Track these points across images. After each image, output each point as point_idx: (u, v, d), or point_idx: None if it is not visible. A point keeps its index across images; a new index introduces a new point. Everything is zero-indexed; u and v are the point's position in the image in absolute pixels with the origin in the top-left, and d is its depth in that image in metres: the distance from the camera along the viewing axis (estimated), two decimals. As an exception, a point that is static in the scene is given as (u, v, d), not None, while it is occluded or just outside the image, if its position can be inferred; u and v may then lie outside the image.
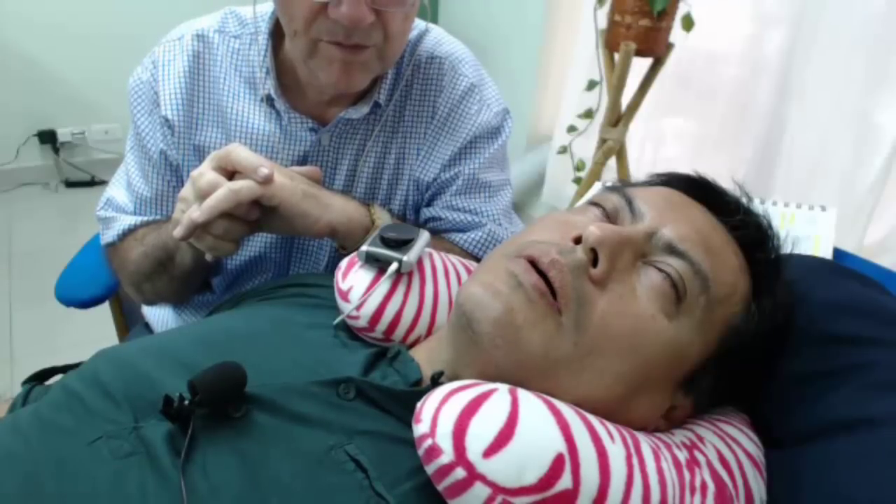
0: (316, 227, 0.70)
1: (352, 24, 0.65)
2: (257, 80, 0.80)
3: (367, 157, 0.84)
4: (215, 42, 0.81)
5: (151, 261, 0.79)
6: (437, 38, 0.85)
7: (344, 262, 0.65)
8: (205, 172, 0.65)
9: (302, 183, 0.70)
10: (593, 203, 0.58)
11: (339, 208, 0.72)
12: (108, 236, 0.85)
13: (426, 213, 0.87)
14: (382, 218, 0.76)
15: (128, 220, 0.83)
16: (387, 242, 0.63)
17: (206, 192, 0.64)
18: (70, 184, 2.74)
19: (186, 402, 0.45)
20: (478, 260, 0.82)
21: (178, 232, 0.65)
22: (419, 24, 0.85)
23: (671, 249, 0.52)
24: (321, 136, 0.81)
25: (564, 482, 0.42)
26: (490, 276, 0.51)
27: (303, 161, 0.82)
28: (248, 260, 0.87)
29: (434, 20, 2.67)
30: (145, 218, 0.83)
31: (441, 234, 0.86)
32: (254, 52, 0.80)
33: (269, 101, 0.80)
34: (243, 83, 0.81)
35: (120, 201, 0.85)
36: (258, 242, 0.86)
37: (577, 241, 0.51)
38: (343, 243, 0.74)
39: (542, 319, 0.48)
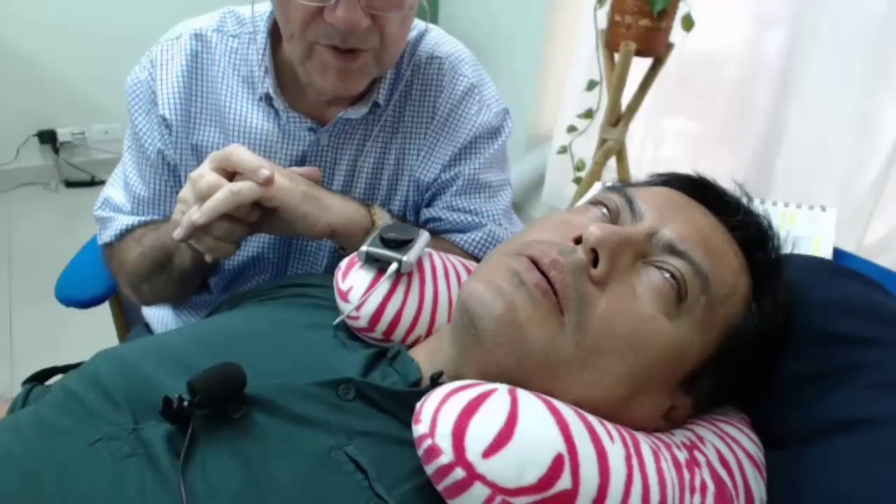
0: (316, 228, 0.70)
1: (347, 29, 0.65)
2: (256, 79, 0.80)
3: (366, 157, 0.84)
4: (213, 41, 0.80)
5: (150, 261, 0.79)
6: (437, 38, 0.85)
7: (344, 263, 0.65)
8: (205, 174, 0.65)
9: (302, 184, 0.70)
10: (594, 203, 0.58)
11: (338, 209, 0.72)
12: (106, 236, 0.85)
13: (426, 213, 0.87)
14: (382, 218, 0.75)
15: (125, 221, 0.83)
16: (386, 243, 0.63)
17: (205, 194, 0.64)
18: (70, 184, 2.74)
19: (186, 403, 0.45)
20: (478, 260, 0.82)
21: (177, 233, 0.65)
22: (419, 25, 0.85)
23: (671, 249, 0.52)
24: (320, 136, 0.81)
25: (564, 482, 0.42)
26: (492, 273, 0.51)
27: (301, 161, 0.82)
28: (246, 260, 0.87)
29: (434, 20, 2.67)
30: (143, 218, 0.83)
31: (441, 235, 0.86)
32: (252, 52, 0.80)
33: (267, 100, 0.80)
34: (242, 83, 0.81)
35: (117, 201, 0.85)
36: (256, 243, 0.86)
37: (578, 241, 0.51)
38: (343, 244, 0.74)
39: (544, 318, 0.48)
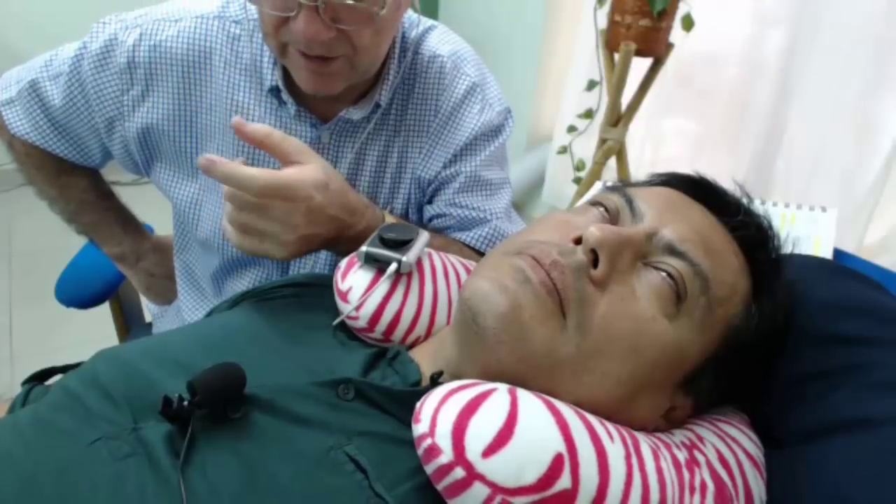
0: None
1: (308, 41, 0.66)
2: (261, 70, 0.79)
3: (368, 156, 0.84)
4: (214, 29, 0.80)
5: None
6: (440, 36, 0.85)
7: (343, 263, 0.65)
8: None
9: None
10: (594, 203, 0.57)
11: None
12: (15, 122, 0.90)
13: (429, 210, 0.87)
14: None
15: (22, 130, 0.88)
16: (386, 243, 0.63)
17: None
18: (70, 184, 2.73)
19: (185, 403, 0.45)
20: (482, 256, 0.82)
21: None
22: (423, 22, 0.85)
23: (671, 250, 0.52)
24: (321, 134, 0.81)
25: (563, 482, 0.42)
26: (495, 272, 0.51)
27: None
28: (246, 258, 0.86)
29: (434, 20, 2.66)
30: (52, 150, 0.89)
31: (446, 233, 0.86)
32: (256, 41, 0.79)
33: (275, 92, 0.79)
34: (244, 73, 0.80)
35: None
36: None
37: (578, 241, 0.51)
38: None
39: (548, 317, 0.48)
